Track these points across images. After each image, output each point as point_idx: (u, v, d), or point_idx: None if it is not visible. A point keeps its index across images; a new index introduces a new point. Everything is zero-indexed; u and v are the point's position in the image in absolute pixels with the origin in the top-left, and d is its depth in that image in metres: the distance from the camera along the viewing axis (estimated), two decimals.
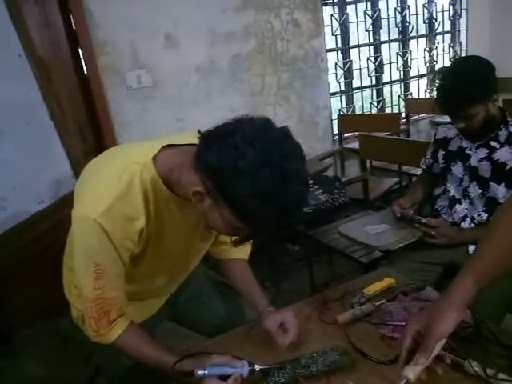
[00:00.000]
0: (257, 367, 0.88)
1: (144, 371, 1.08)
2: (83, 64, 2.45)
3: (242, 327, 1.12)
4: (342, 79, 3.51)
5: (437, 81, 1.46)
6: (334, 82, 3.47)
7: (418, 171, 2.43)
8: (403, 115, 3.66)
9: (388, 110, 3.83)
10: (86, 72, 2.46)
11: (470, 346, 0.89)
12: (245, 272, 1.19)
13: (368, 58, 3.59)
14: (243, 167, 0.70)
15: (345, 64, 3.48)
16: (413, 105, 3.67)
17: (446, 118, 1.54)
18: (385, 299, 1.09)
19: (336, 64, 3.44)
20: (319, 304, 1.14)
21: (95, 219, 0.80)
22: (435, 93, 1.48)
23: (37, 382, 1.46)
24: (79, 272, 0.89)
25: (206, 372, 0.85)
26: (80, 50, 2.42)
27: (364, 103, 3.70)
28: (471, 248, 1.49)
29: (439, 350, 0.82)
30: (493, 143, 1.46)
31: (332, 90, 3.45)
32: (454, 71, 1.43)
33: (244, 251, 1.21)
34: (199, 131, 0.80)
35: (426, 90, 4.00)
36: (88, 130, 2.49)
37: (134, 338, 0.93)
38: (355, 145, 3.15)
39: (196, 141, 0.81)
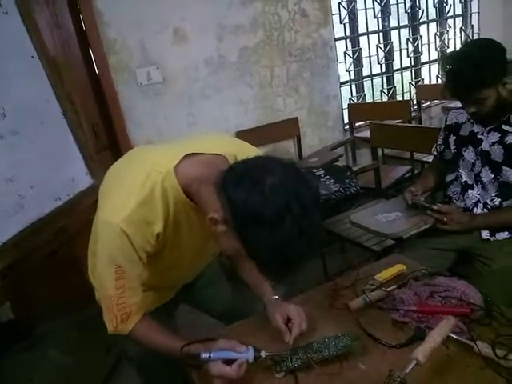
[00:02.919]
0: (262, 353, 0.89)
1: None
2: (94, 63, 2.48)
3: (256, 316, 1.13)
4: (352, 68, 3.48)
5: (446, 65, 1.44)
6: (344, 71, 3.44)
7: (431, 158, 2.40)
8: (414, 102, 3.61)
9: (399, 98, 3.78)
10: (96, 71, 2.50)
11: (480, 328, 0.90)
12: (250, 264, 1.21)
13: (377, 46, 3.54)
14: (266, 217, 0.74)
15: (354, 52, 3.44)
16: (424, 91, 3.61)
17: (459, 104, 1.51)
18: (396, 285, 1.09)
19: (345, 53, 3.41)
20: (331, 291, 1.15)
21: (118, 224, 0.86)
22: (444, 78, 1.46)
23: (61, 371, 1.53)
24: (101, 272, 0.94)
25: (211, 355, 0.86)
26: (90, 50, 2.45)
27: (374, 91, 3.66)
28: (484, 233, 1.48)
29: (449, 332, 0.83)
30: (505, 127, 1.44)
31: (342, 79, 3.42)
32: (463, 55, 1.39)
33: None
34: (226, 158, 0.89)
35: (437, 76, 3.93)
36: (101, 127, 2.54)
37: (147, 330, 0.99)
38: (366, 134, 3.12)
39: (216, 148, 0.91)
